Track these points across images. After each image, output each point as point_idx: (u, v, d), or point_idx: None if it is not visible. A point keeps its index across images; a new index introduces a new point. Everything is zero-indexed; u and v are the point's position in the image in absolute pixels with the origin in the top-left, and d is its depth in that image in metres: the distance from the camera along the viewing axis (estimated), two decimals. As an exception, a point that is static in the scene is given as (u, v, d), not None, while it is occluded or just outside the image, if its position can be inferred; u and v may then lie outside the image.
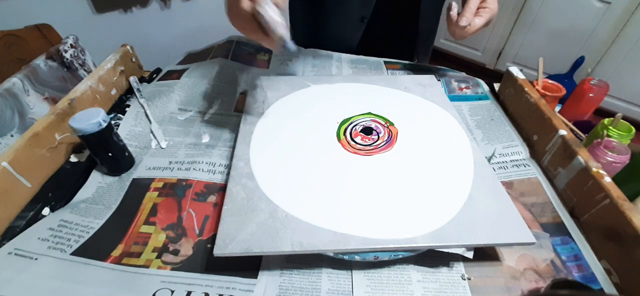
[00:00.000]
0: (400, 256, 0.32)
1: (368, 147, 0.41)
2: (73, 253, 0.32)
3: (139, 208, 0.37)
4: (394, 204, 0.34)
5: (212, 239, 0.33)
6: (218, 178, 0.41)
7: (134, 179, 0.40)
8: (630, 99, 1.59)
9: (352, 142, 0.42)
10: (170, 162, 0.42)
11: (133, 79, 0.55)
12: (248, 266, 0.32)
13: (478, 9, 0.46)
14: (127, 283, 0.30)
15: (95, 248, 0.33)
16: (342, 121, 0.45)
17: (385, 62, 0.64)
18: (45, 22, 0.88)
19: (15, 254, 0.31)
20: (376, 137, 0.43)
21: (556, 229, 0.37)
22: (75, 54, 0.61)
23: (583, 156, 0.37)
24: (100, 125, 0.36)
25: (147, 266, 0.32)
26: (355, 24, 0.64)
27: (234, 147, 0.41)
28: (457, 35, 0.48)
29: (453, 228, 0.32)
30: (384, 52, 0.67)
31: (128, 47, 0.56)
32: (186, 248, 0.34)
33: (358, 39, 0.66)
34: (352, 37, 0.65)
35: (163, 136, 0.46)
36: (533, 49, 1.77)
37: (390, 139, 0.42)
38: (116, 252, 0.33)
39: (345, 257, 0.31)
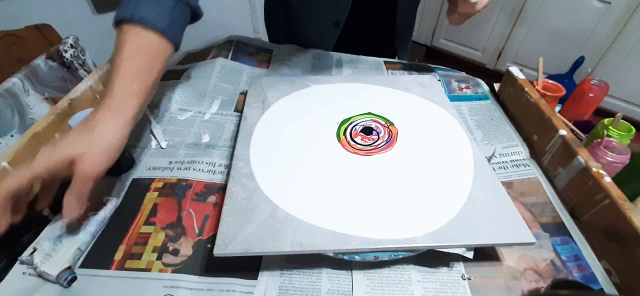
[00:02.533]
0: (400, 256, 0.32)
1: (368, 147, 0.41)
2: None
3: (139, 209, 0.37)
4: (394, 204, 0.34)
5: (212, 239, 0.33)
6: (218, 178, 0.41)
7: (134, 179, 0.40)
8: (630, 99, 1.59)
9: (352, 142, 0.42)
10: (170, 162, 0.42)
11: (133, 79, 0.55)
12: (248, 266, 0.32)
13: None
14: (131, 292, 0.30)
15: (98, 253, 0.33)
16: (342, 121, 0.45)
17: (385, 62, 0.64)
18: (45, 22, 0.88)
19: (30, 274, 0.31)
20: (376, 137, 0.43)
21: (556, 229, 0.37)
22: (75, 54, 0.61)
23: (583, 156, 0.37)
24: (100, 125, 0.36)
25: (149, 270, 0.32)
26: (330, 28, 0.64)
27: (234, 147, 0.41)
28: (459, 18, 0.45)
29: (453, 228, 0.32)
30: (361, 51, 0.67)
31: (128, 47, 0.56)
32: (186, 248, 0.33)
33: (333, 42, 0.66)
34: (326, 40, 0.66)
35: (163, 136, 0.46)
36: (533, 49, 1.76)
37: (390, 139, 0.42)
38: (118, 255, 0.33)
39: (345, 257, 0.31)
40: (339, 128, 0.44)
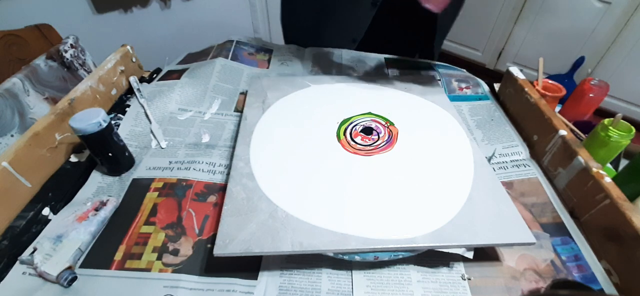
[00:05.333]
0: (400, 257, 0.32)
1: (368, 147, 0.41)
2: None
3: (139, 209, 0.37)
4: (394, 204, 0.34)
5: (212, 239, 0.33)
6: (218, 178, 0.41)
7: (134, 179, 0.40)
8: (631, 99, 1.58)
9: (352, 142, 0.42)
10: (170, 162, 0.42)
11: (133, 79, 0.55)
12: (248, 266, 0.32)
13: None
14: (132, 292, 0.30)
15: (98, 252, 0.33)
16: (342, 121, 0.45)
17: (385, 61, 0.64)
18: (45, 22, 0.88)
19: (30, 274, 0.31)
20: (376, 137, 0.43)
21: (556, 229, 0.37)
22: (75, 54, 0.61)
23: (583, 156, 0.37)
24: (101, 125, 0.36)
25: (149, 270, 0.32)
26: (348, 44, 0.65)
27: (234, 147, 0.41)
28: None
29: (453, 228, 0.32)
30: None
31: (128, 47, 0.56)
32: (186, 248, 0.33)
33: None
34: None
35: (163, 136, 0.46)
36: (533, 49, 1.76)
37: (391, 139, 0.42)
38: (118, 255, 0.33)
39: (345, 257, 0.31)
40: (339, 128, 0.44)
